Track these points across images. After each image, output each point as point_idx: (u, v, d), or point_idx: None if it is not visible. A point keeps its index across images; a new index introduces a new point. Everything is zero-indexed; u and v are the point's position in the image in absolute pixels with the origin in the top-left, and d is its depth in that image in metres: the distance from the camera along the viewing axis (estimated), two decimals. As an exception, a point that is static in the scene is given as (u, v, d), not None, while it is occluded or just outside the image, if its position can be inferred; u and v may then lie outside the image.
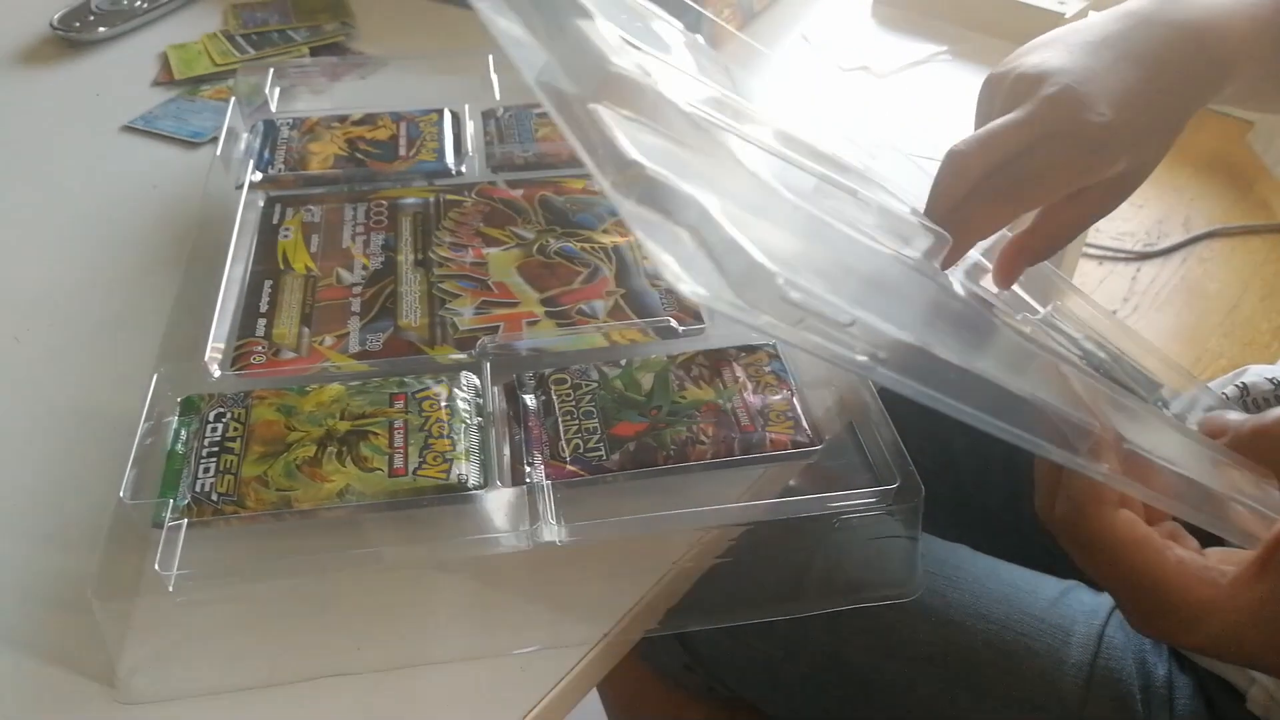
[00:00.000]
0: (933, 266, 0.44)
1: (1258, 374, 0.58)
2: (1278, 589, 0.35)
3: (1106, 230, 1.87)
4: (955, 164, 0.44)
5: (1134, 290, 1.78)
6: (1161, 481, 0.36)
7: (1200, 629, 0.36)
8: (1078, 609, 0.54)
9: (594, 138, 0.31)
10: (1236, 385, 0.57)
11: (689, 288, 0.27)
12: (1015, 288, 0.51)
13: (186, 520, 0.44)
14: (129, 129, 0.73)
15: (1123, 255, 1.84)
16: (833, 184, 0.45)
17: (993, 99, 0.47)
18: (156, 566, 0.42)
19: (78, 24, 0.81)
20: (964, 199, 0.44)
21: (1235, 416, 0.40)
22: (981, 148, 0.44)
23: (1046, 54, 0.45)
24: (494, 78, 0.70)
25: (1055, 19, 0.83)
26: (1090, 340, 0.48)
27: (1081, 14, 0.85)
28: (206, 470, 0.46)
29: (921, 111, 0.78)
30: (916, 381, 0.30)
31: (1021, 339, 0.43)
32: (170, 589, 0.42)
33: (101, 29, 0.82)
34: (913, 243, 0.45)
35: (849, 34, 0.87)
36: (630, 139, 0.30)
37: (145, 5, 0.84)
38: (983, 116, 0.47)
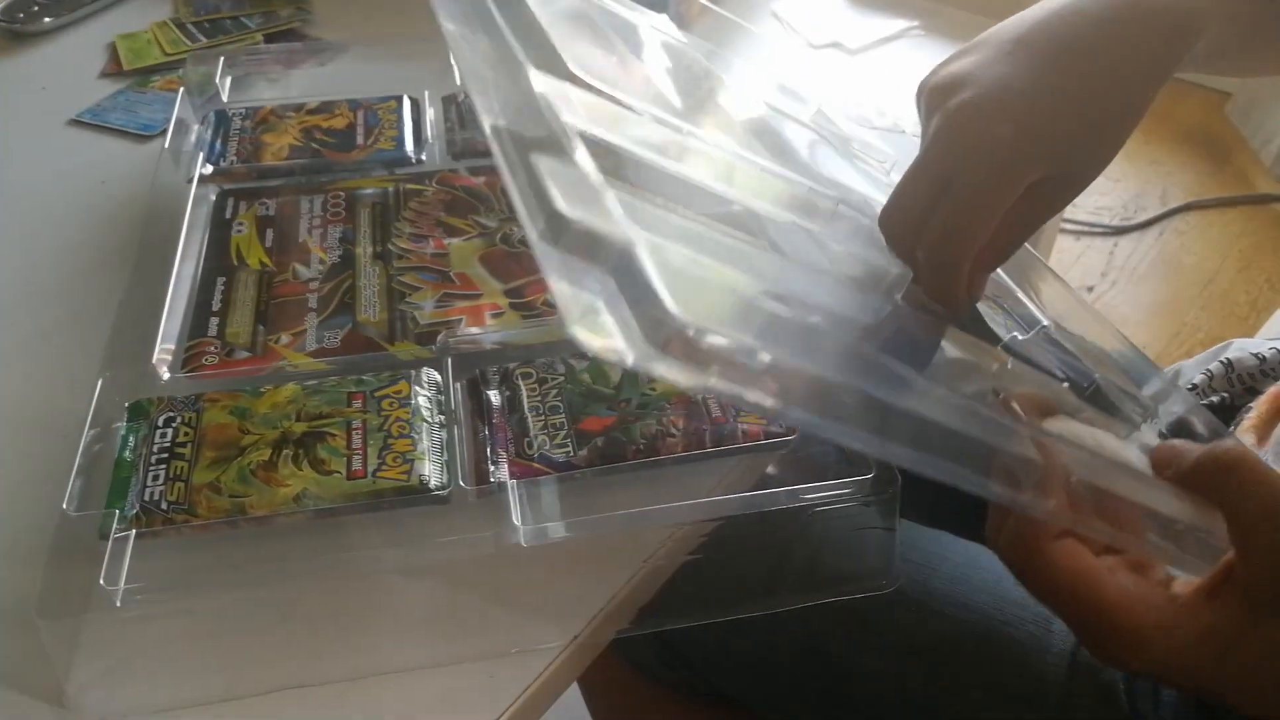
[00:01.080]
0: (892, 297, 0.44)
1: (1241, 348, 0.57)
2: (1223, 619, 0.35)
3: (1083, 205, 1.87)
4: (888, 235, 0.44)
5: (1111, 265, 1.78)
6: (1113, 514, 0.36)
7: (1145, 652, 0.35)
8: None
9: (529, 187, 0.31)
10: (1221, 361, 0.56)
11: (599, 345, 0.26)
12: (1022, 296, 0.49)
13: (135, 531, 0.42)
14: (76, 123, 0.70)
15: (1100, 230, 1.84)
16: (808, 201, 0.44)
17: (919, 103, 0.45)
18: (103, 581, 0.40)
19: (21, 15, 0.79)
20: (917, 266, 0.43)
21: (1185, 445, 0.39)
22: (899, 212, 0.43)
23: (965, 60, 0.43)
24: (454, 63, 0.68)
25: (1028, -9, 0.81)
26: (1088, 357, 0.46)
27: (1054, -15, 0.83)
28: (156, 478, 0.44)
29: (894, 87, 0.76)
30: (838, 423, 0.29)
31: (970, 366, 0.43)
32: (118, 604, 0.40)
33: (47, 19, 0.79)
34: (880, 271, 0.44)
35: (820, 10, 0.85)
36: (562, 190, 0.30)
37: (92, -7, 0.81)
38: (919, 122, 0.46)
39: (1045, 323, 0.47)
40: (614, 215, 0.29)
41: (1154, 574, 0.38)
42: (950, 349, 0.43)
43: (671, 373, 0.27)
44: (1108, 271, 1.77)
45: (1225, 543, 0.35)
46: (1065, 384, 0.45)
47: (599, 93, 0.41)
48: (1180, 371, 0.62)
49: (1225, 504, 0.35)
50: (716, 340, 0.27)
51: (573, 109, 0.36)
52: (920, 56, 0.79)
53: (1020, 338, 0.47)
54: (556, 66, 0.41)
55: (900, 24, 0.83)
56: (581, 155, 0.32)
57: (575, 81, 0.40)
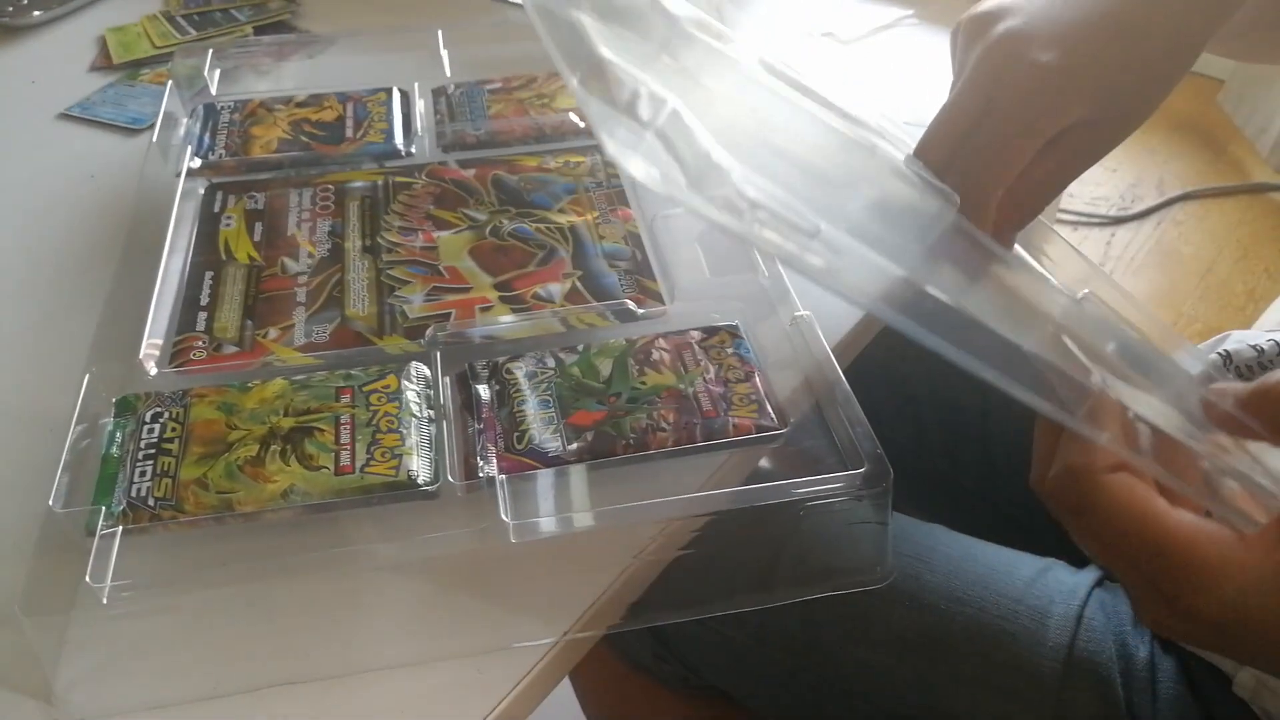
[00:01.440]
0: (950, 203, 0.42)
1: (1240, 340, 0.56)
2: None
3: (1080, 195, 1.86)
4: (924, 162, 0.42)
5: (1109, 255, 1.78)
6: (1168, 455, 0.33)
7: (1217, 592, 0.31)
8: (1055, 589, 0.53)
9: (569, 40, 0.30)
10: (1219, 353, 0.55)
11: (641, 170, 0.25)
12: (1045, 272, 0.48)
13: (121, 527, 0.42)
14: (66, 116, 0.70)
15: (1097, 220, 1.83)
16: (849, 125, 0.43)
17: (956, 39, 0.44)
18: (89, 579, 0.40)
19: (11, 8, 0.78)
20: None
21: (1234, 384, 0.37)
22: (936, 137, 0.42)
23: None
24: (444, 54, 0.67)
25: (1023, -20, 0.80)
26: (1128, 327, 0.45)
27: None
28: (143, 474, 0.44)
29: (889, 76, 0.76)
30: (891, 307, 0.28)
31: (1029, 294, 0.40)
32: (105, 601, 0.40)
33: (36, 13, 0.78)
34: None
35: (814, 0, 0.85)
36: (608, 42, 0.29)
37: (81, -14, 0.80)
38: (953, 60, 0.45)
39: (1086, 290, 0.46)
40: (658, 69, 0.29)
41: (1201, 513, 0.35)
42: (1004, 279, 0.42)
43: (714, 212, 0.26)
44: (1105, 262, 1.76)
45: None
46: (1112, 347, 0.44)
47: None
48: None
49: None
50: (760, 193, 0.26)
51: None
52: (914, 46, 0.79)
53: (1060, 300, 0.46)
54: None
55: (895, 13, 0.83)
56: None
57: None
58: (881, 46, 0.79)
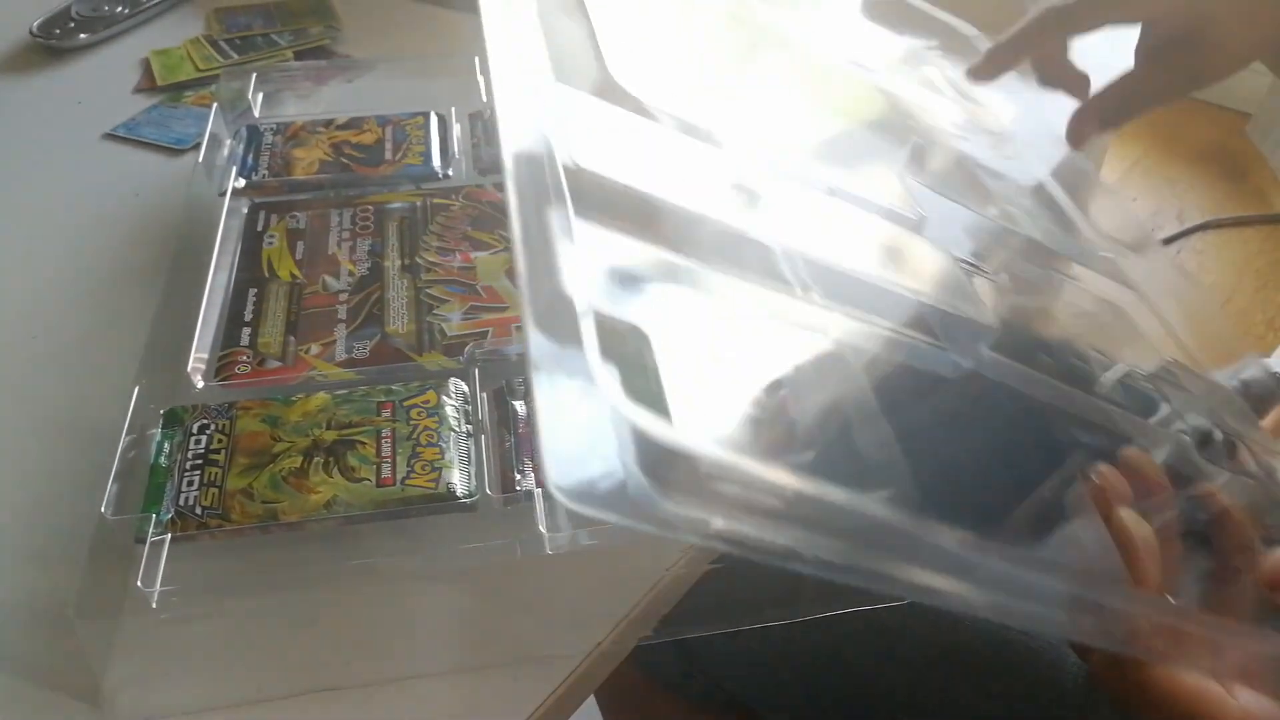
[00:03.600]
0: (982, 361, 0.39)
1: (1260, 367, 0.57)
2: None
3: (1100, 224, 1.87)
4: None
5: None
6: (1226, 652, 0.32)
7: None
8: None
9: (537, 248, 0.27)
10: (1238, 381, 0.56)
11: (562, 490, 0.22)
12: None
13: (170, 535, 0.43)
14: (111, 136, 0.72)
15: (1116, 248, 1.84)
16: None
17: None
18: (139, 583, 0.41)
19: (58, 31, 0.80)
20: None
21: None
22: None
23: None
24: (480, 80, 0.69)
25: (1046, 12, 0.82)
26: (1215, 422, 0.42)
27: None
28: (190, 483, 0.45)
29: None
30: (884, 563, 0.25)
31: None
32: (154, 605, 0.41)
33: (82, 35, 0.81)
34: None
35: (840, 29, 0.86)
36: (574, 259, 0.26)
37: (126, 11, 0.83)
38: None
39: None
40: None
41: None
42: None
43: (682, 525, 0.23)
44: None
45: None
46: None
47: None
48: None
49: None
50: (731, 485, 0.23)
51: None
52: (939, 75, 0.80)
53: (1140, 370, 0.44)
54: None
55: (919, 43, 0.84)
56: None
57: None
58: (906, 75, 0.81)
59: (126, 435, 0.47)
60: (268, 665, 0.42)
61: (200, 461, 0.46)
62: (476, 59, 0.70)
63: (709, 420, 0.28)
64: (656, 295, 0.30)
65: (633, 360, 0.26)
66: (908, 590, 0.25)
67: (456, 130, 0.67)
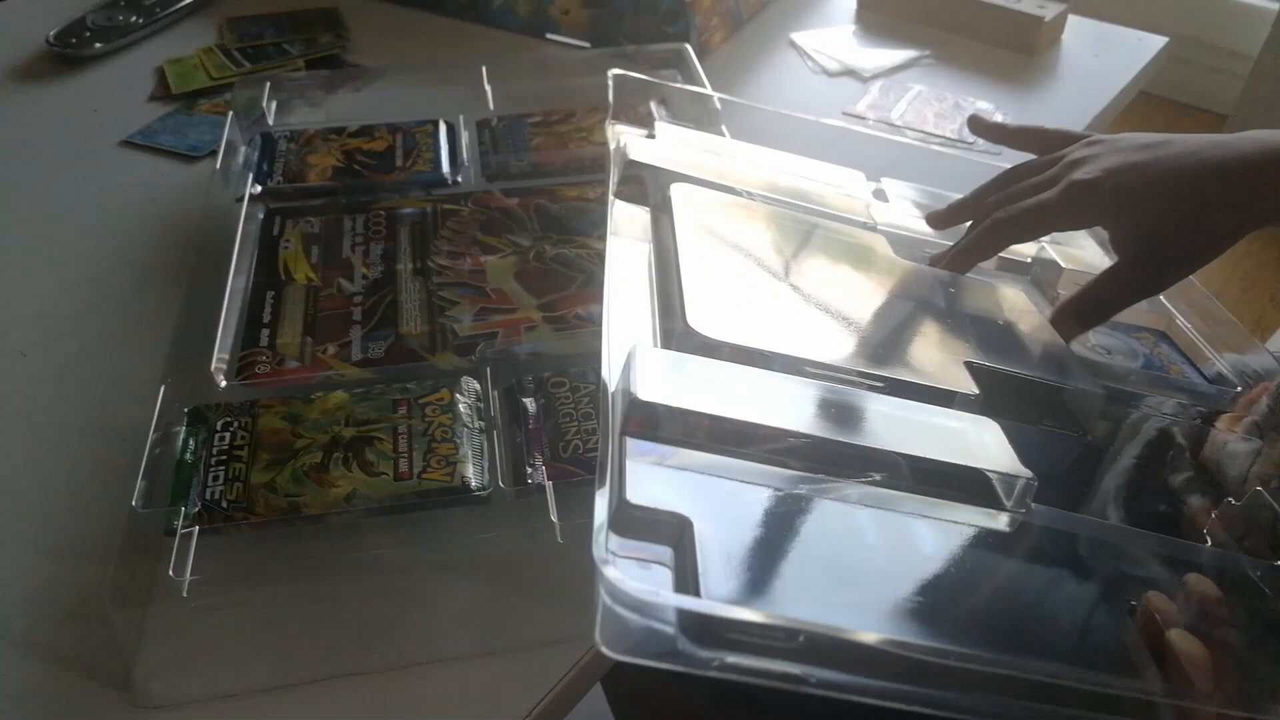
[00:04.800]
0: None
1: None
2: None
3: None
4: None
5: (1120, 285, 1.80)
6: None
7: None
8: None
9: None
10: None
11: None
12: None
13: (198, 527, 0.45)
14: (127, 144, 0.74)
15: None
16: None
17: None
18: (170, 572, 0.43)
19: (74, 40, 0.82)
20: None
21: None
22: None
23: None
24: (488, 88, 0.71)
25: (1035, 22, 0.84)
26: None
27: (1060, 17, 0.86)
28: (216, 478, 0.47)
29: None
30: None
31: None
32: (184, 594, 0.43)
33: (98, 44, 0.82)
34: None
35: (835, 39, 0.89)
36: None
37: (141, 21, 0.85)
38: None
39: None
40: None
41: None
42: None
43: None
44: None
45: None
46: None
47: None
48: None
49: None
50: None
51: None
52: (931, 83, 0.82)
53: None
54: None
55: (912, 52, 0.86)
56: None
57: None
58: (900, 83, 0.83)
59: (153, 433, 0.48)
60: (292, 651, 0.44)
61: (225, 457, 0.48)
62: (484, 68, 0.72)
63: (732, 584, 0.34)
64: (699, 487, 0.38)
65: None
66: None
67: (465, 138, 0.69)
